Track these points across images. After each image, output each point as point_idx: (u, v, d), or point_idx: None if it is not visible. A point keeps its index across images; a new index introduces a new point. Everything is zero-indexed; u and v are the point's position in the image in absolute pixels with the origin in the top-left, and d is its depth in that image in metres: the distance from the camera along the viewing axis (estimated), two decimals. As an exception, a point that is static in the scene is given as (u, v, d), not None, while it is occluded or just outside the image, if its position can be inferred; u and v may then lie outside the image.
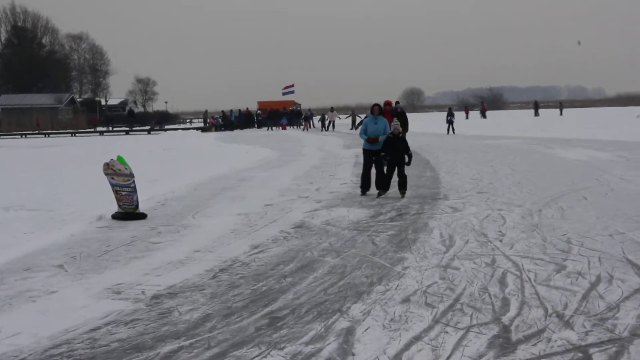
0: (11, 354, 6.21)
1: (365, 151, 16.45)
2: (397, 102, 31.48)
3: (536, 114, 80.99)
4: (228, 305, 7.51)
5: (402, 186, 15.45)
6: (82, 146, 46.75)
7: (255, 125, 79.91)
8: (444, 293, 7.58)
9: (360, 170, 17.19)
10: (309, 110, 76.02)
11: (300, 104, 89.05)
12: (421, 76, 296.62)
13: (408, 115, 28.88)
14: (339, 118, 66.76)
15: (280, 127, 71.96)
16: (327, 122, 65.18)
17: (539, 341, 5.97)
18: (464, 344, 5.97)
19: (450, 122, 48.00)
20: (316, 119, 72.51)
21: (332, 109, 67.58)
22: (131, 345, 6.37)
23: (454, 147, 31.46)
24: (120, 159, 13.96)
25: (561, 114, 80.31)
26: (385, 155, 15.54)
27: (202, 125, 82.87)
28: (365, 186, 16.23)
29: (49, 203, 15.76)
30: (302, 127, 70.34)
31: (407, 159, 15.52)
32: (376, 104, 16.43)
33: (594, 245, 9.57)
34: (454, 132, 46.81)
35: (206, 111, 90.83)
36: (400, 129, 15.70)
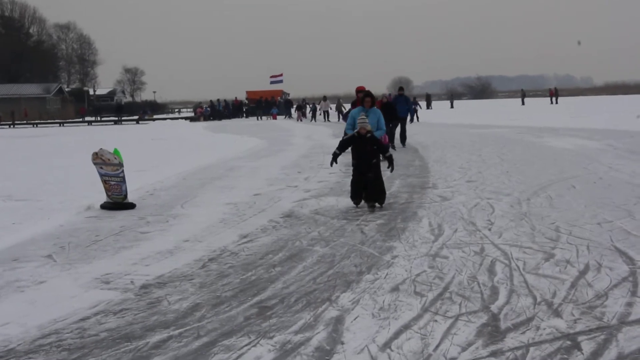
0: (0, 344, 6.19)
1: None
2: (401, 89, 28.93)
3: (451, 106, 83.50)
4: (217, 294, 7.51)
5: (373, 198, 12.51)
6: (70, 136, 46.58)
7: (244, 115, 79.83)
8: (433, 282, 7.59)
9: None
10: (303, 99, 75.02)
11: (288, 94, 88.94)
12: (410, 65, 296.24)
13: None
14: (330, 108, 64.71)
15: (271, 117, 71.61)
16: (319, 112, 63.17)
17: (528, 329, 5.98)
18: (453, 333, 5.98)
19: (415, 110, 50.37)
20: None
21: (324, 98, 63.99)
22: (120, 334, 6.36)
23: (442, 136, 31.46)
24: (116, 152, 13.92)
25: (451, 107, 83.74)
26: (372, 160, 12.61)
27: (192, 115, 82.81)
28: (357, 196, 12.87)
29: (37, 193, 15.72)
30: (294, 116, 68.95)
31: (388, 165, 12.81)
32: (368, 93, 13.82)
33: (583, 233, 9.60)
34: (418, 120, 49.51)
35: (200, 103, 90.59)
36: (369, 127, 12.57)
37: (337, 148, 12.90)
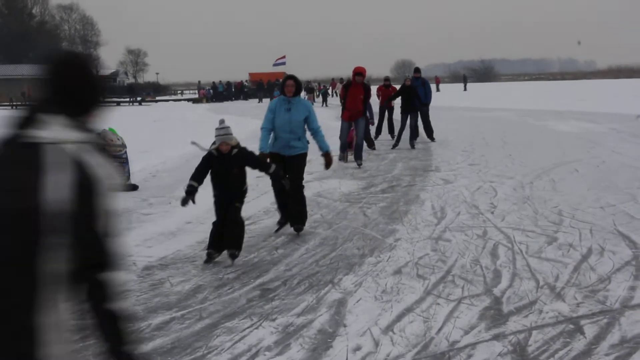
0: (2, 325, 6.20)
1: (271, 156, 9.42)
2: (417, 70, 22.46)
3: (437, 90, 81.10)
4: (219, 276, 7.52)
5: (230, 243, 8.18)
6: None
7: (244, 97, 79.40)
8: (435, 265, 7.59)
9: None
10: (308, 82, 73.97)
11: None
12: (413, 48, 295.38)
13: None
14: (336, 93, 62.53)
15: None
16: (333, 95, 60.44)
17: (531, 313, 5.99)
18: (455, 316, 5.99)
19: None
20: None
21: (341, 80, 61.78)
22: (123, 316, 6.36)
23: (444, 119, 31.39)
24: (112, 130, 13.91)
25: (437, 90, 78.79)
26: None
27: (195, 96, 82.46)
28: (215, 244, 8.28)
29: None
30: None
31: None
32: (291, 77, 9.78)
33: (585, 217, 9.59)
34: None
35: (199, 82, 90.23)
36: (233, 139, 8.31)
37: (192, 178, 8.39)
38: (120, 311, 2.42)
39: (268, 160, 9.05)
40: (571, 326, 5.66)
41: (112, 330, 2.45)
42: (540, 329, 5.62)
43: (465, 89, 79.70)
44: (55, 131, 2.34)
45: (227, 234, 8.20)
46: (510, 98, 52.48)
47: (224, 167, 8.31)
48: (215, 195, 8.54)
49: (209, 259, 8.20)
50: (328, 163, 9.83)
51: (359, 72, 15.99)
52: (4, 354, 2.24)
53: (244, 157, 8.40)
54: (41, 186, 2.23)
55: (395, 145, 19.98)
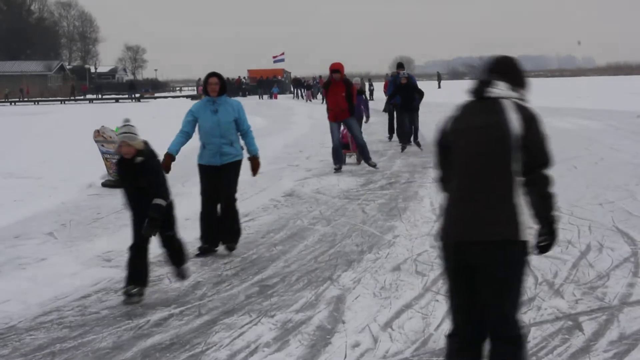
0: (0, 321, 6.21)
1: (201, 169, 8.99)
2: (399, 66, 21.29)
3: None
4: (218, 273, 7.52)
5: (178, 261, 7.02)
6: (71, 113, 46.50)
7: (242, 94, 79.26)
8: (434, 261, 7.57)
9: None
10: (313, 78, 73.65)
11: (290, 72, 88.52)
12: (411, 45, 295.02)
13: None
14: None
15: (272, 96, 70.49)
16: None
17: (529, 309, 5.98)
18: (454, 312, 5.98)
19: (371, 91, 50.69)
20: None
21: (320, 78, 61.86)
22: (121, 312, 6.38)
23: (440, 116, 31.31)
24: (117, 130, 13.91)
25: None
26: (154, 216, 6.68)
27: (194, 93, 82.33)
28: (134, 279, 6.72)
29: (39, 170, 15.69)
30: (304, 96, 65.70)
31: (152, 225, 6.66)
32: (213, 74, 8.64)
33: (584, 214, 9.58)
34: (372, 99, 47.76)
35: (199, 79, 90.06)
36: (136, 142, 6.67)
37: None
38: (552, 193, 4.10)
39: (171, 163, 8.52)
40: (570, 323, 5.67)
41: (544, 203, 4.14)
42: (538, 326, 5.63)
43: (439, 87, 79.65)
44: (503, 91, 4.07)
45: (172, 263, 6.98)
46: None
47: (130, 176, 6.75)
48: (132, 216, 6.86)
49: (128, 299, 6.60)
50: (255, 168, 8.87)
51: (335, 70, 14.68)
52: (506, 221, 3.97)
53: (147, 171, 6.70)
54: (506, 121, 3.95)
55: (404, 148, 18.74)
